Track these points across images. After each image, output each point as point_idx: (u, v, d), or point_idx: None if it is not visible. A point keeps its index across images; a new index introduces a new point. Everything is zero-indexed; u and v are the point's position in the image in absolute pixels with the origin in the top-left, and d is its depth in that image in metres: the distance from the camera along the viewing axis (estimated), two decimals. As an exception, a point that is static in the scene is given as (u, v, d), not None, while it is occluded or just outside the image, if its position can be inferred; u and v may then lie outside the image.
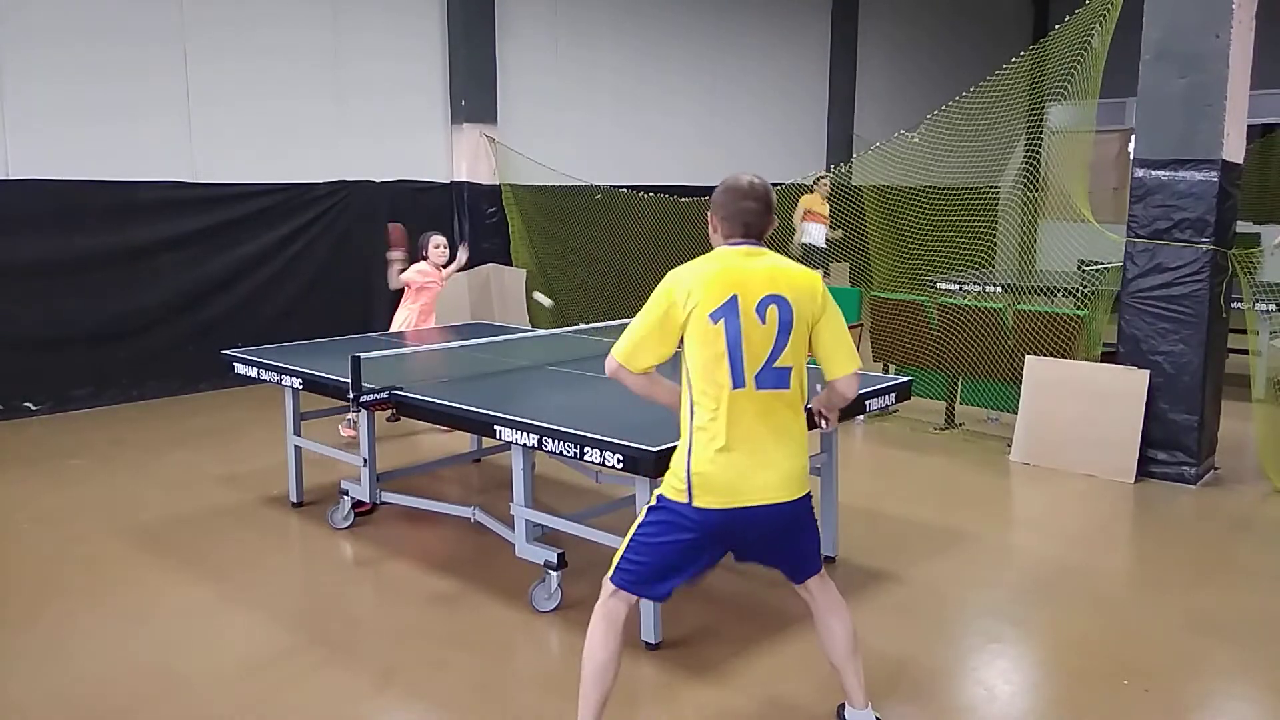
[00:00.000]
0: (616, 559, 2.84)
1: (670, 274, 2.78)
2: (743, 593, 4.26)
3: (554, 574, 3.96)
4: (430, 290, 6.88)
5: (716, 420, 2.68)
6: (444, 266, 6.98)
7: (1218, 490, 5.72)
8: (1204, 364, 5.66)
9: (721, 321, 2.67)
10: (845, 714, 3.06)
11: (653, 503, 2.80)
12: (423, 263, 6.90)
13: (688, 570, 2.81)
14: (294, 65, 8.71)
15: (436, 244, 6.92)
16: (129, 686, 3.45)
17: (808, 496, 2.83)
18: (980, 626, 3.96)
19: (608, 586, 2.84)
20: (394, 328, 6.81)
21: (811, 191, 10.93)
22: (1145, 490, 5.67)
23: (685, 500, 2.71)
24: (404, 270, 6.81)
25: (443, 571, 4.44)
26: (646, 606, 3.64)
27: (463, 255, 7.26)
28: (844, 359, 2.82)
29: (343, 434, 6.44)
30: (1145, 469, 5.80)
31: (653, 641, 3.67)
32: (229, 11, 8.22)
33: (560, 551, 3.95)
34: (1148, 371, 5.75)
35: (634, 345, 2.77)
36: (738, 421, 2.68)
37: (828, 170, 13.35)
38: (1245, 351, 7.43)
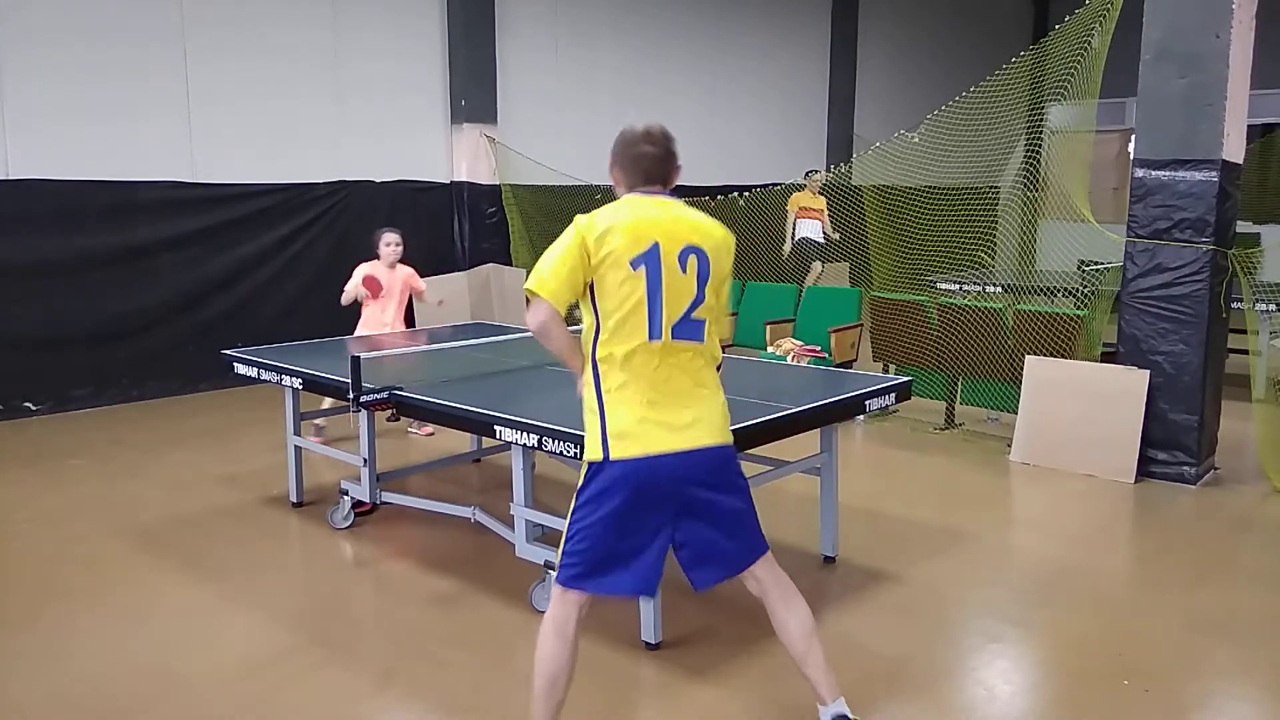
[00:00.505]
0: (559, 558, 2.73)
1: (580, 218, 2.65)
2: (743, 593, 4.24)
3: (554, 574, 3.96)
4: (380, 288, 6.44)
5: (628, 373, 2.61)
6: (399, 264, 6.54)
7: (1218, 490, 5.72)
8: (1204, 364, 5.66)
9: (643, 269, 2.57)
10: (820, 713, 2.86)
11: (578, 486, 2.70)
12: (371, 264, 6.47)
13: (633, 552, 2.65)
14: (294, 65, 8.71)
15: (388, 241, 6.46)
16: (129, 686, 3.45)
17: (733, 449, 2.75)
18: (980, 626, 3.96)
19: (555, 589, 2.73)
20: (358, 333, 6.42)
21: (802, 189, 10.82)
22: (1145, 490, 5.67)
23: (602, 458, 2.61)
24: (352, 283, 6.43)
25: (443, 571, 4.44)
26: (647, 606, 3.64)
27: (431, 297, 6.81)
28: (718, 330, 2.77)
29: (418, 433, 6.63)
30: (1145, 469, 5.80)
31: (653, 641, 3.67)
32: (229, 11, 8.22)
33: (560, 551, 3.94)
34: (1148, 371, 5.75)
35: (550, 274, 2.57)
36: (652, 374, 2.61)
37: (827, 169, 13.35)
38: (1245, 351, 7.43)
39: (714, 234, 2.71)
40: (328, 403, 5.85)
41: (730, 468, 2.75)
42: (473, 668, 3.59)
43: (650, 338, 2.60)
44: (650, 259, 2.58)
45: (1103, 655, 3.67)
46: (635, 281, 2.58)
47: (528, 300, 2.65)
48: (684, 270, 2.61)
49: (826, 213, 10.81)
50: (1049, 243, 8.82)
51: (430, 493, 5.11)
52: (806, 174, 11.06)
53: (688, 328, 2.63)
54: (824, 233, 10.85)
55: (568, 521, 2.72)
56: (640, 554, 2.68)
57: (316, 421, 6.28)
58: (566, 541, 2.71)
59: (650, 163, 2.71)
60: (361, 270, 6.49)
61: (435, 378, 4.57)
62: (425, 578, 4.38)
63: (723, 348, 2.84)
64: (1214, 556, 4.77)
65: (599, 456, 2.63)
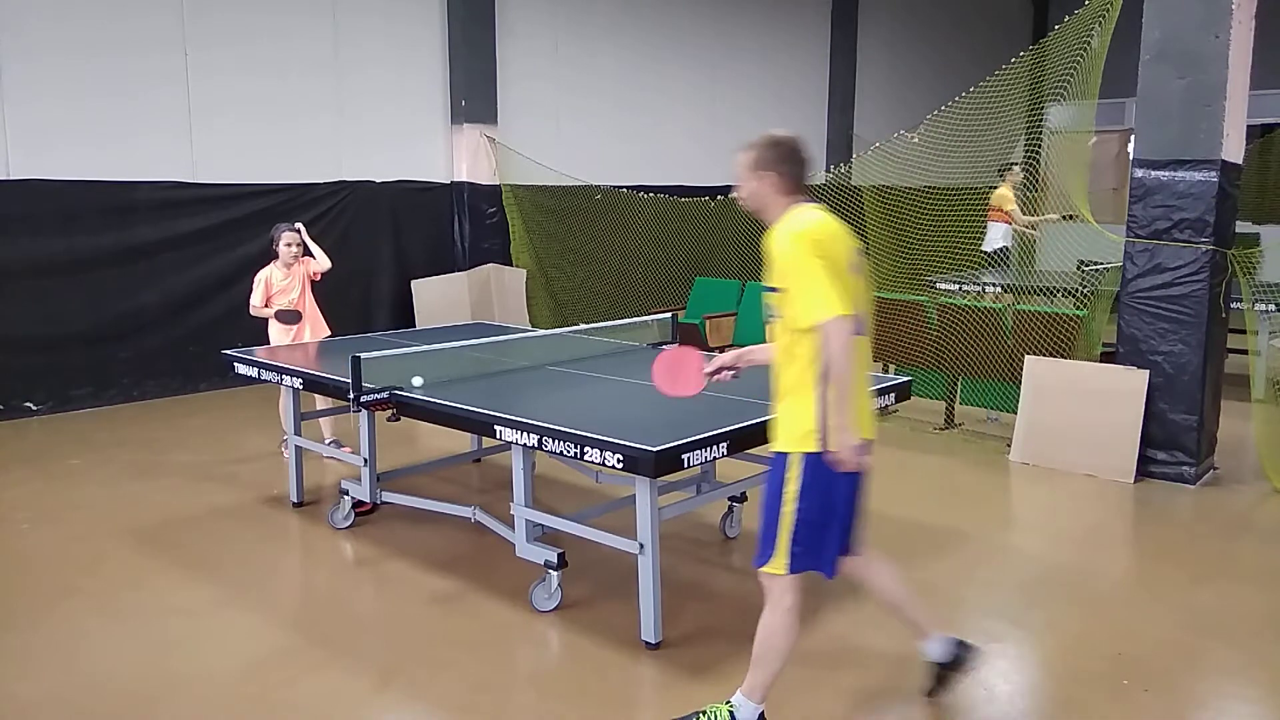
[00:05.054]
0: None
1: (802, 230, 2.70)
2: (743, 593, 4.26)
3: (554, 574, 3.97)
4: (288, 294, 6.03)
5: (851, 366, 2.77)
6: (301, 259, 6.08)
7: (1217, 490, 5.72)
8: (1203, 364, 5.66)
9: (857, 275, 2.79)
10: (926, 649, 3.21)
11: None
12: (270, 268, 6.05)
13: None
14: (294, 65, 8.70)
15: (289, 241, 6.02)
16: (129, 686, 3.45)
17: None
18: (980, 626, 3.96)
19: None
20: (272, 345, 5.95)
21: (999, 186, 9.25)
22: (1145, 490, 5.68)
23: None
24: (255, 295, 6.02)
25: (443, 571, 4.44)
26: (646, 607, 3.64)
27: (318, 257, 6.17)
28: None
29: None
30: (1145, 469, 5.81)
31: (653, 641, 3.67)
32: (230, 10, 8.22)
33: (560, 551, 3.95)
34: (1147, 371, 5.76)
35: (830, 292, 2.64)
36: (858, 363, 2.77)
37: (827, 169, 13.32)
38: (1245, 351, 7.43)
39: None
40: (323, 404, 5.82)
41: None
42: (473, 668, 3.59)
43: (856, 332, 2.74)
44: (859, 266, 2.80)
45: (1102, 655, 3.67)
46: (857, 285, 2.77)
47: (813, 328, 2.68)
48: (860, 274, 2.82)
49: (1011, 213, 9.24)
50: (1049, 243, 8.81)
51: (430, 493, 5.11)
52: (1003, 168, 9.21)
53: (861, 324, 2.83)
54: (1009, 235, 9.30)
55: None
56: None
57: (328, 438, 6.03)
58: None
59: (806, 173, 2.87)
60: (262, 278, 6.03)
61: (435, 378, 4.57)
62: (425, 578, 4.38)
63: (721, 348, 2.90)
64: (1213, 556, 4.77)
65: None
